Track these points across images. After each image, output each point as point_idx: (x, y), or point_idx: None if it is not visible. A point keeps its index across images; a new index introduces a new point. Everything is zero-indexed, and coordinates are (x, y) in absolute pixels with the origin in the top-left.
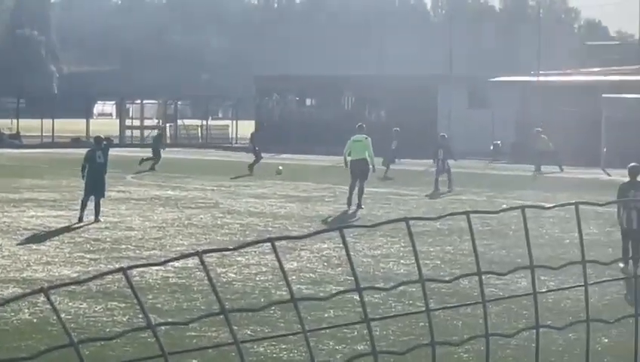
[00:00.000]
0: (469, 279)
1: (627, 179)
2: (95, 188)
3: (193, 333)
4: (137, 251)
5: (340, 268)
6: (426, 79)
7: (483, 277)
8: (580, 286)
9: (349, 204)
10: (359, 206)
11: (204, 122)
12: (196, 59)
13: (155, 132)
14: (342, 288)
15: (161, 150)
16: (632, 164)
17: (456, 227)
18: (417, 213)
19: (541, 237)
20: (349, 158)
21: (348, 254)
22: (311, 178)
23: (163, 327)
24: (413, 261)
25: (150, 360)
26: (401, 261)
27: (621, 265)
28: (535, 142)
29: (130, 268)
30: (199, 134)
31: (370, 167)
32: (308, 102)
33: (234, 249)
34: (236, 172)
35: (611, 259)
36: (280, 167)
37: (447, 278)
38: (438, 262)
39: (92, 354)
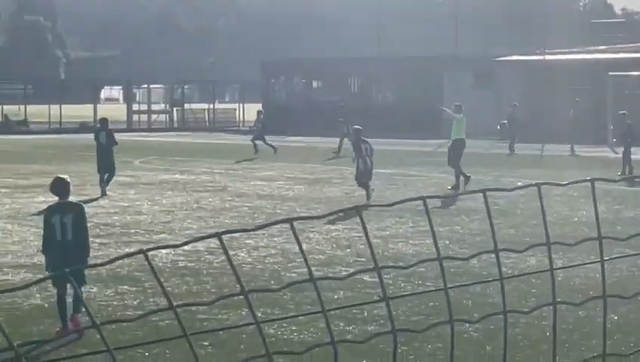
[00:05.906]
0: (478, 258)
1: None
2: (102, 166)
3: (203, 316)
4: (147, 235)
5: (348, 250)
6: (431, 60)
7: (493, 255)
8: (593, 262)
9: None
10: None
11: (211, 106)
12: (201, 43)
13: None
14: (351, 269)
15: None
16: (356, 126)
17: (464, 207)
18: (427, 194)
19: (549, 215)
20: (456, 137)
21: (366, 234)
22: (318, 160)
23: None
24: (421, 241)
25: (165, 341)
26: (410, 241)
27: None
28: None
29: (150, 250)
30: (206, 118)
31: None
32: (314, 84)
33: (252, 230)
34: (243, 155)
35: (620, 236)
36: None
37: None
38: (447, 242)
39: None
